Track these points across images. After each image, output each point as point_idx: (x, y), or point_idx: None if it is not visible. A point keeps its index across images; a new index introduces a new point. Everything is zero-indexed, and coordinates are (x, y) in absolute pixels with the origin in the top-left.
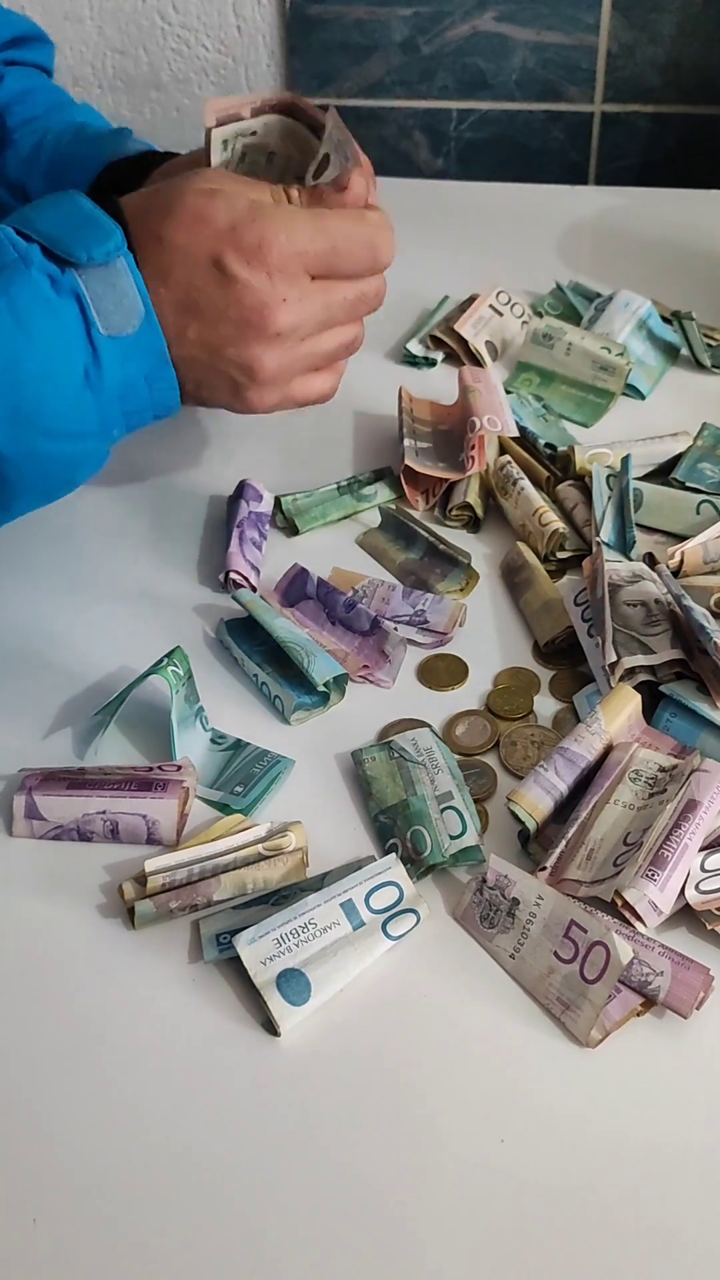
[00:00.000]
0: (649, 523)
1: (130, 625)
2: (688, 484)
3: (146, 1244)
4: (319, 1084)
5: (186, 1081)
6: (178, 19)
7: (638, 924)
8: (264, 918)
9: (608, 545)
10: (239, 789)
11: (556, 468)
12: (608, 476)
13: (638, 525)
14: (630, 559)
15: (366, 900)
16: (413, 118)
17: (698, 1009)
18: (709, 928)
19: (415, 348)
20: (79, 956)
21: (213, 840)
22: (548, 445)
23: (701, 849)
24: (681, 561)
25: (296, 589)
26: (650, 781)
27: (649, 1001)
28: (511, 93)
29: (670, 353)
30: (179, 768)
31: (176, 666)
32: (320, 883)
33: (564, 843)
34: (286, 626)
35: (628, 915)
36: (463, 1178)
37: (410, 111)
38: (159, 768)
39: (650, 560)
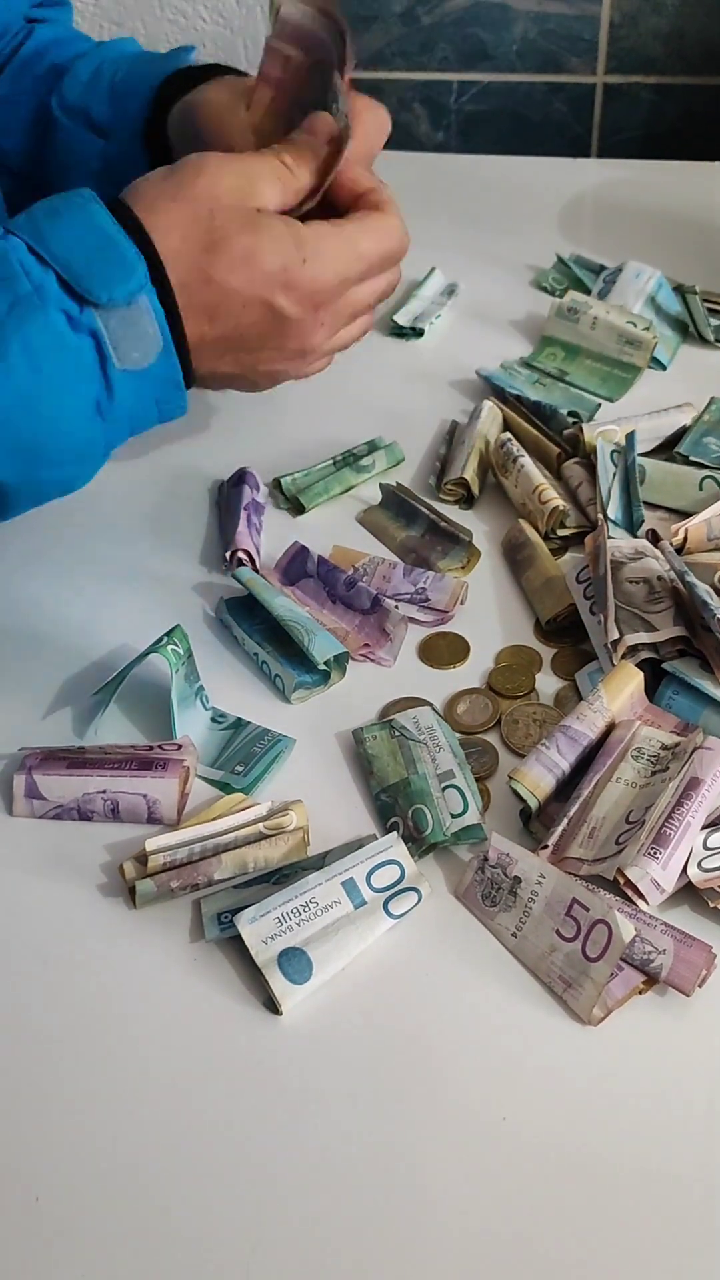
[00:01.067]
0: (652, 499)
1: (130, 604)
2: (692, 459)
3: (150, 1221)
4: (320, 1063)
5: (189, 1060)
6: None
7: (640, 902)
8: (265, 896)
9: (614, 523)
10: (239, 768)
11: (567, 444)
12: (612, 452)
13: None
14: (636, 536)
15: (368, 879)
16: (412, 90)
17: (700, 986)
18: (711, 905)
19: (402, 318)
20: (81, 936)
21: (213, 819)
22: (572, 414)
23: (704, 827)
24: (685, 538)
25: (297, 567)
26: (653, 759)
27: (651, 979)
28: (512, 64)
29: (680, 326)
30: (179, 747)
31: (176, 645)
32: (321, 862)
33: (566, 821)
34: (286, 605)
35: (630, 893)
36: (465, 1155)
37: (410, 83)
38: (159, 747)
39: (653, 537)
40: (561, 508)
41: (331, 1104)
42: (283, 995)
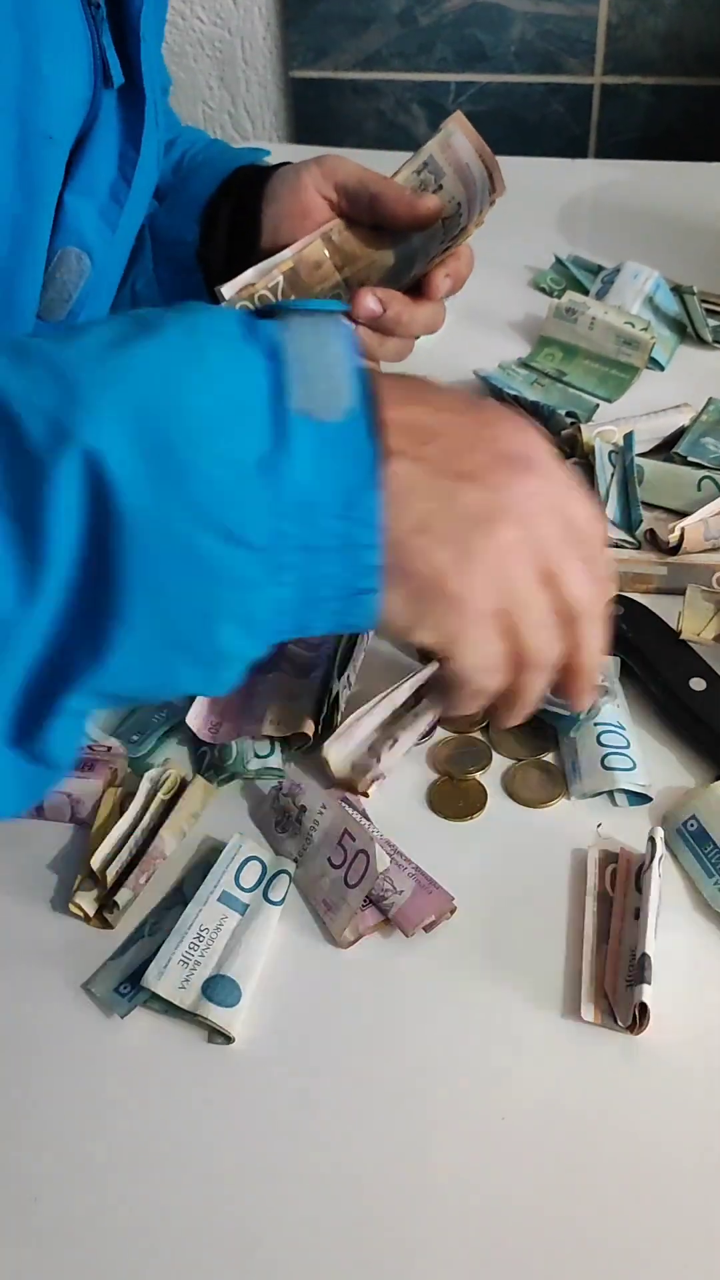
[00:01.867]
0: (650, 499)
1: None
2: (690, 459)
3: (145, 1226)
4: (285, 1078)
5: (176, 1107)
6: None
7: (359, 799)
8: (148, 954)
9: (613, 524)
10: (135, 737)
11: (565, 444)
12: (610, 453)
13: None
14: (635, 537)
15: (238, 884)
16: (410, 91)
17: (425, 930)
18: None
19: None
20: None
21: (120, 814)
22: (570, 414)
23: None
24: (681, 538)
25: None
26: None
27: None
28: (510, 65)
29: (678, 326)
30: (109, 749)
31: None
32: (182, 895)
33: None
34: None
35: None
36: (463, 1154)
37: (408, 84)
38: (89, 747)
39: (651, 537)
40: None
41: (310, 1111)
42: (227, 1023)
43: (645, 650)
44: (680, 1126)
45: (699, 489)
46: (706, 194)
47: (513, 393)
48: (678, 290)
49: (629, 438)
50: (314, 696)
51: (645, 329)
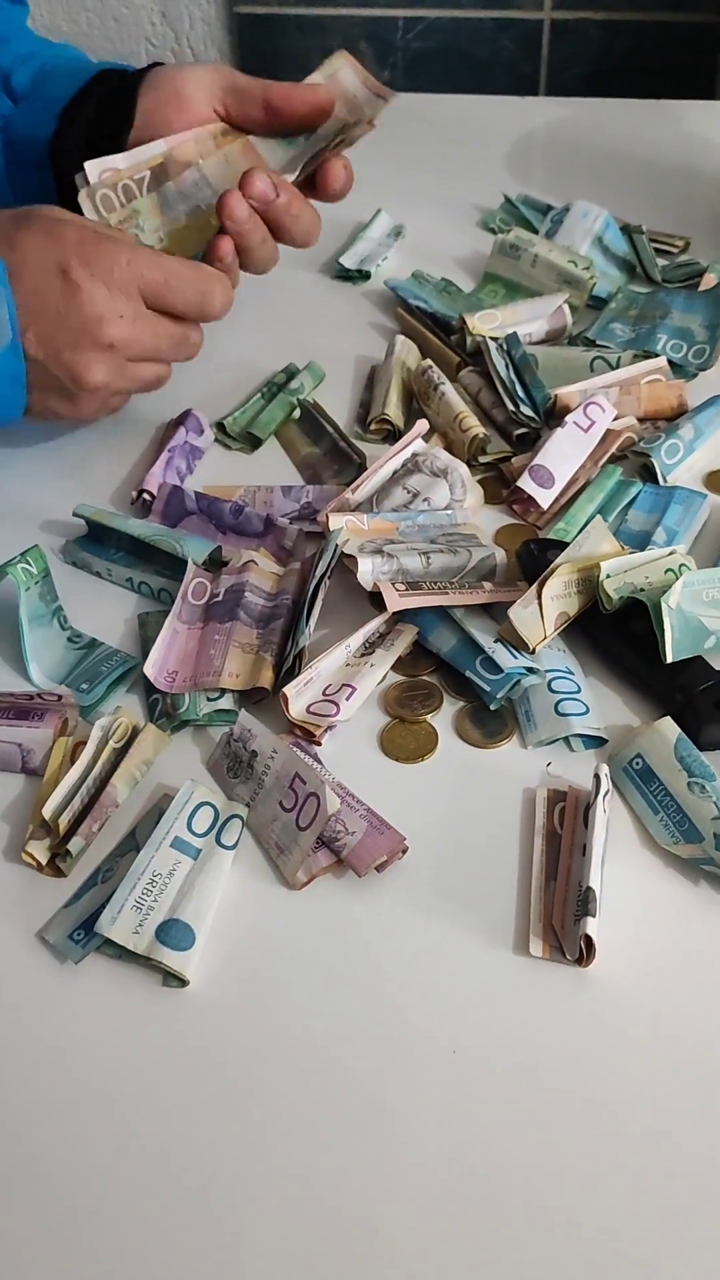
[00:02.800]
0: (548, 385)
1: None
2: (599, 342)
3: (103, 1170)
4: (246, 1017)
5: (128, 1044)
6: None
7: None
8: (101, 901)
9: (522, 409)
10: (85, 685)
11: (456, 343)
12: (498, 347)
13: None
14: (541, 415)
15: (190, 829)
16: (358, 27)
17: (377, 871)
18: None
19: (348, 260)
20: None
21: (71, 763)
22: (461, 319)
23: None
24: (555, 403)
25: (175, 507)
26: (368, 644)
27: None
28: (459, 0)
29: (627, 266)
30: (59, 697)
31: (29, 565)
32: (134, 841)
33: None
34: (141, 524)
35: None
36: (418, 1087)
37: (355, 20)
38: (40, 696)
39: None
40: (482, 435)
41: (265, 1051)
42: (181, 965)
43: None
44: (628, 1056)
45: (592, 369)
46: (657, 131)
47: (417, 302)
48: (627, 230)
49: (512, 337)
50: (273, 647)
51: (587, 268)
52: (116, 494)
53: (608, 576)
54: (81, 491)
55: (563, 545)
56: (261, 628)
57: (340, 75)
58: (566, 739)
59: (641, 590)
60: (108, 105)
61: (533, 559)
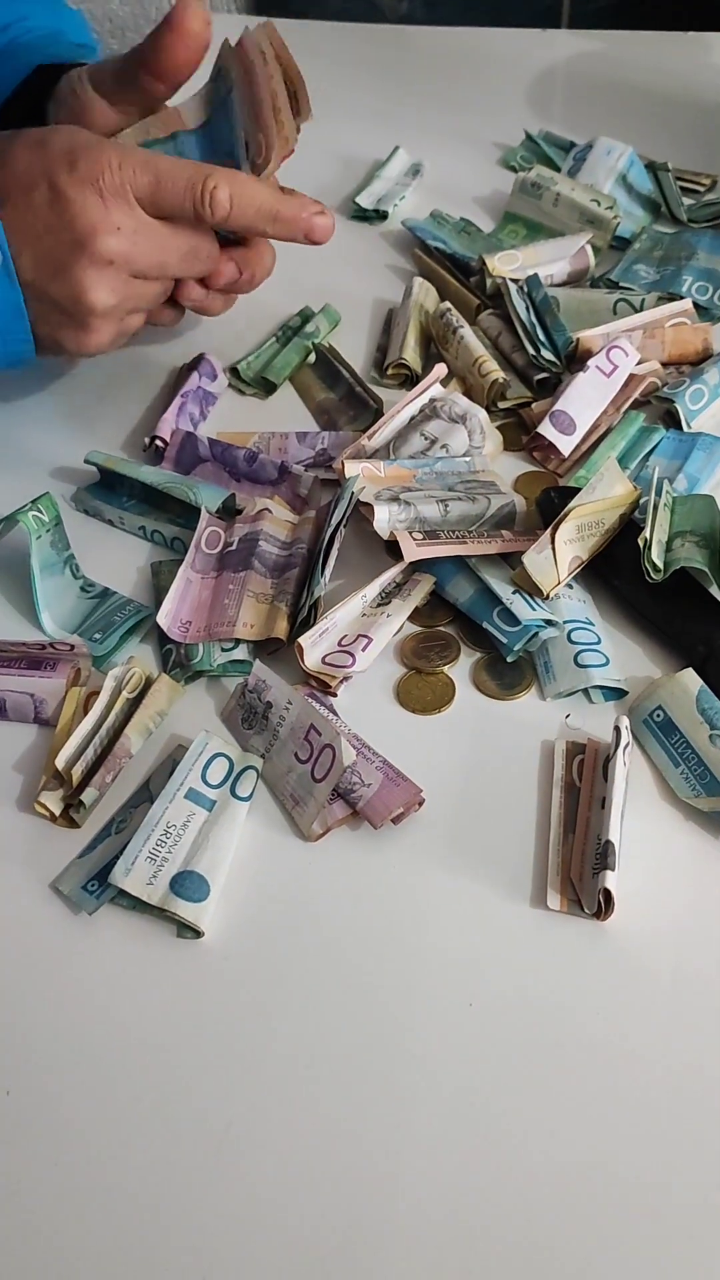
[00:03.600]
0: (570, 328)
1: (34, 491)
2: (622, 284)
3: (116, 1120)
4: (260, 969)
5: (143, 995)
6: None
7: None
8: (115, 851)
9: (543, 352)
10: (98, 635)
11: (476, 285)
12: (518, 290)
13: None
14: (562, 358)
15: (204, 780)
16: None
17: (395, 823)
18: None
19: (364, 200)
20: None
21: (84, 714)
22: (480, 260)
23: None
24: (577, 346)
25: (189, 454)
26: (384, 594)
27: (352, 808)
28: None
29: (651, 205)
30: (71, 647)
31: (40, 513)
32: (149, 793)
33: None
34: (154, 471)
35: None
36: (433, 1041)
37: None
38: (52, 645)
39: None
40: (502, 380)
41: (281, 1003)
42: (195, 916)
43: (606, 548)
44: (645, 1010)
45: (615, 312)
46: (683, 65)
47: (436, 244)
48: (652, 167)
49: (533, 278)
50: (288, 597)
51: (610, 208)
52: (128, 441)
53: (648, 547)
54: (93, 438)
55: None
56: (276, 577)
57: (247, 52)
58: (586, 690)
59: (672, 548)
60: (32, 111)
61: (553, 507)
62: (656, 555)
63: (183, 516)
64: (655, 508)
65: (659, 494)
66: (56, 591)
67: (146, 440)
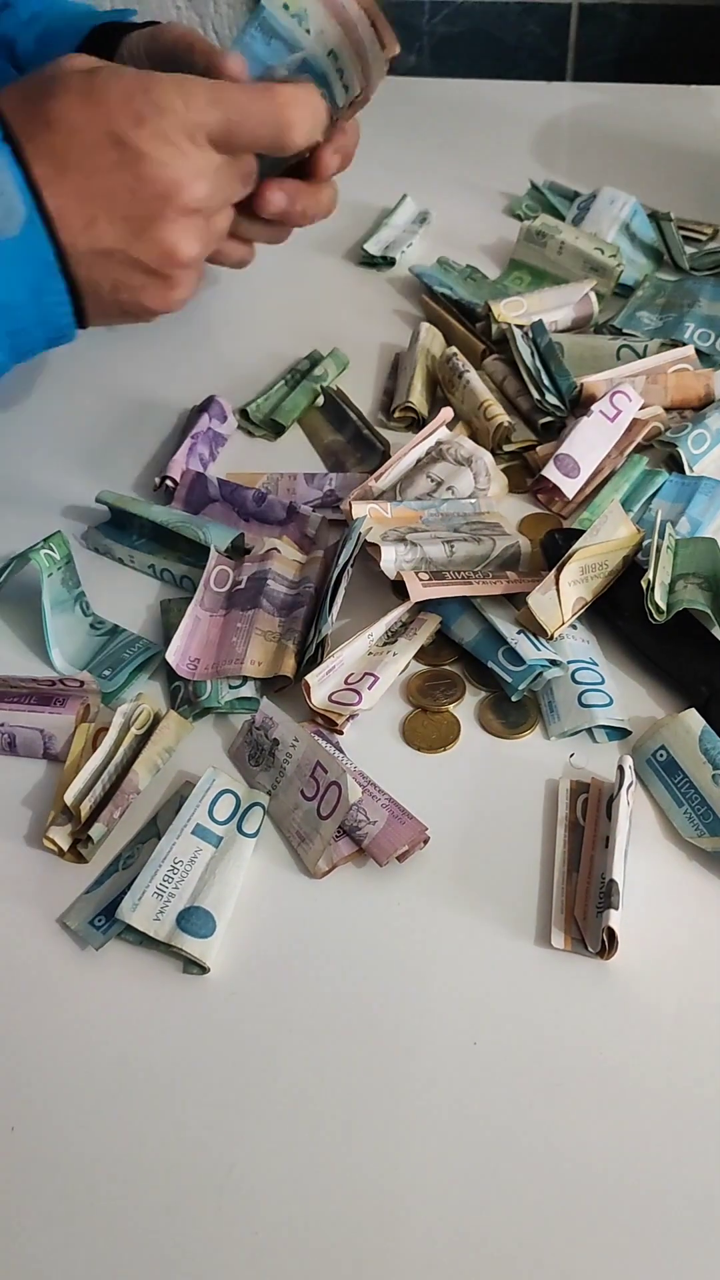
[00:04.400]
0: (574, 373)
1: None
2: (625, 330)
3: (121, 1156)
4: (266, 1006)
5: (148, 1031)
6: None
7: (333, 733)
8: (123, 887)
9: (548, 398)
10: (107, 672)
11: (481, 331)
12: (523, 335)
13: None
14: (566, 403)
15: (211, 816)
16: (384, 10)
17: (398, 860)
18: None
19: (373, 247)
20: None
21: (93, 749)
22: (486, 305)
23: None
24: (581, 392)
25: (198, 494)
26: (391, 633)
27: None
28: None
29: (654, 253)
30: (81, 683)
31: (52, 550)
32: (156, 828)
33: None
34: (164, 510)
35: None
36: (431, 1075)
37: (382, 4)
38: (62, 682)
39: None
40: (507, 423)
41: (286, 1040)
42: (201, 952)
43: (607, 589)
44: (649, 1049)
45: (618, 357)
46: (685, 117)
47: (442, 289)
48: (654, 216)
49: (537, 324)
50: (295, 635)
51: (614, 255)
52: (140, 480)
53: (652, 587)
54: (104, 478)
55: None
56: (284, 615)
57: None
58: (590, 730)
59: (675, 590)
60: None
61: (557, 549)
62: (660, 597)
63: (192, 555)
64: (658, 550)
65: (662, 536)
66: (67, 628)
67: (157, 480)
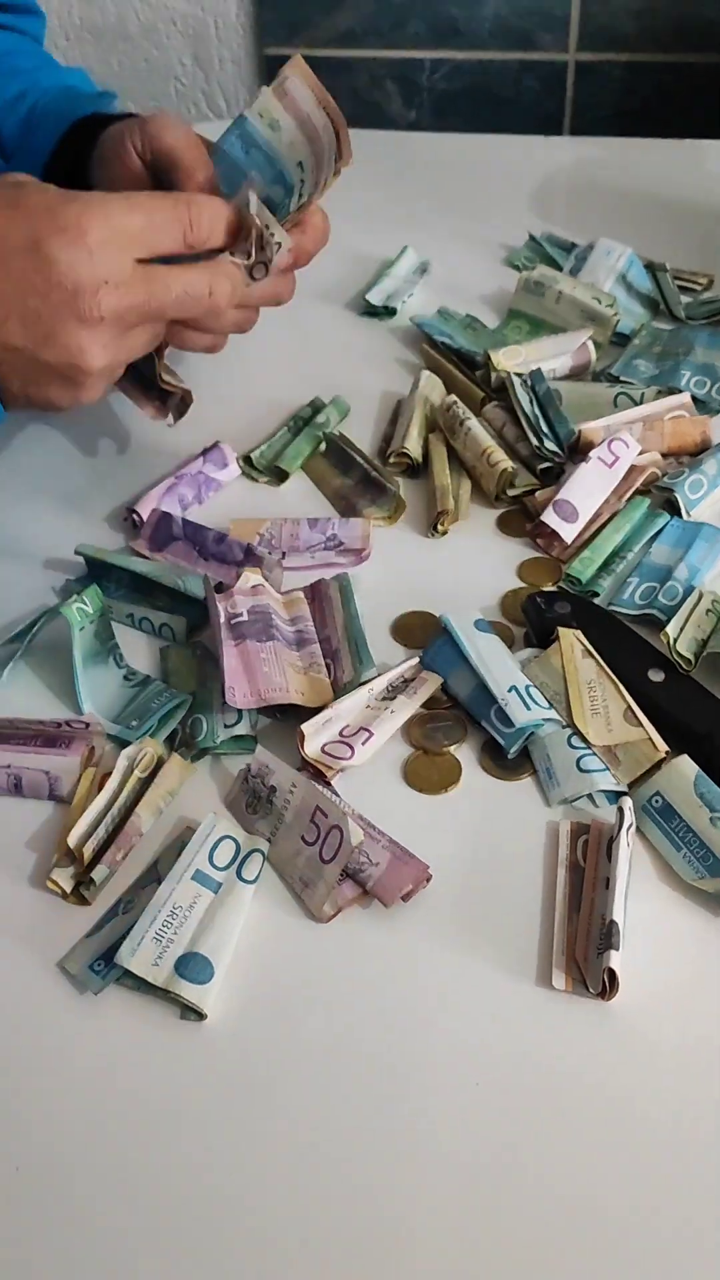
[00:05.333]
0: (572, 420)
1: (38, 579)
2: (622, 379)
3: (121, 1200)
4: (267, 1051)
5: (145, 1077)
6: None
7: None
8: (122, 931)
9: (547, 444)
10: (134, 723)
11: (481, 379)
12: (522, 383)
13: None
14: (564, 449)
15: (211, 862)
16: (384, 68)
17: (403, 900)
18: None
19: (374, 297)
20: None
21: (98, 791)
22: (486, 354)
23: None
24: (579, 439)
25: (163, 533)
26: (391, 688)
27: (362, 888)
28: (484, 41)
29: (651, 303)
30: (86, 725)
31: (85, 604)
32: (157, 873)
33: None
34: (142, 562)
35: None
36: (433, 1117)
37: (382, 61)
38: (67, 724)
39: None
40: (510, 469)
41: (285, 1084)
42: (199, 998)
43: (600, 647)
44: (651, 1090)
45: (615, 404)
46: (680, 170)
47: (442, 338)
48: (650, 267)
49: (536, 372)
50: (320, 667)
51: (610, 305)
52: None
53: (675, 640)
54: (97, 520)
55: (569, 596)
56: (299, 650)
57: (290, 87)
58: (590, 794)
59: (705, 642)
60: (75, 168)
61: (539, 612)
62: (684, 648)
63: (170, 604)
64: (691, 610)
65: (697, 600)
66: (100, 681)
67: (125, 512)
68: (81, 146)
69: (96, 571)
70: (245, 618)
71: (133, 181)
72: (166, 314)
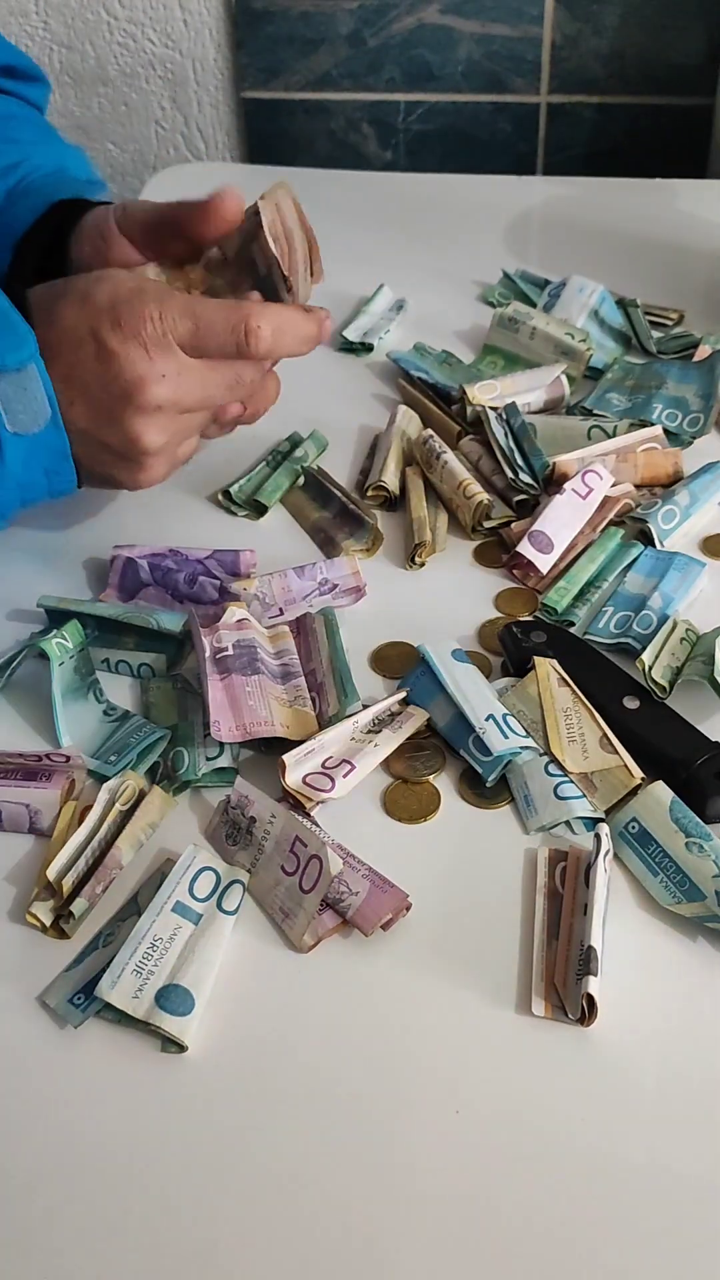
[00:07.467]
0: (546, 453)
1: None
2: (595, 411)
3: (99, 1235)
4: (247, 1083)
5: (126, 1110)
6: (124, 13)
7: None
8: (103, 964)
9: (521, 476)
10: (113, 758)
11: (457, 413)
12: (497, 417)
13: None
14: (538, 481)
15: (191, 894)
16: (360, 110)
17: (383, 929)
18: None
19: (351, 334)
20: None
21: (79, 824)
22: (461, 388)
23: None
24: (553, 471)
25: (131, 579)
26: (376, 722)
27: (341, 917)
28: (458, 84)
29: (623, 338)
30: (67, 759)
31: (65, 639)
32: (137, 906)
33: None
34: (107, 605)
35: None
36: (413, 1145)
37: (358, 104)
38: (48, 757)
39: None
40: (486, 501)
41: (265, 1115)
42: (180, 1031)
43: (576, 675)
44: (630, 1115)
45: (589, 437)
46: (651, 209)
47: (418, 374)
48: (622, 303)
49: (511, 406)
50: (305, 700)
51: (583, 340)
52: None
53: (650, 667)
54: (75, 571)
55: (544, 625)
56: (284, 683)
57: (280, 204)
58: (568, 821)
59: (680, 669)
60: (53, 245)
61: (516, 642)
62: (659, 675)
63: (145, 643)
64: (666, 638)
65: (672, 628)
66: (79, 715)
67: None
68: (62, 223)
69: (60, 623)
70: (230, 652)
71: (112, 258)
72: (216, 401)
